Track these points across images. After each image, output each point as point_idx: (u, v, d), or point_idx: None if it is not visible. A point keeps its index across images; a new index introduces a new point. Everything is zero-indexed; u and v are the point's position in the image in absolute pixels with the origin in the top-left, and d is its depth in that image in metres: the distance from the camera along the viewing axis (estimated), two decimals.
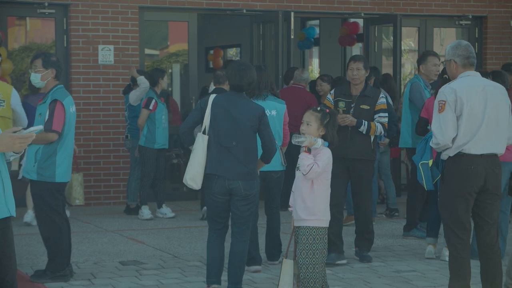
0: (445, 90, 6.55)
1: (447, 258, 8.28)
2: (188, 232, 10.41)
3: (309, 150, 6.41)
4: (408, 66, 17.42)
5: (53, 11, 12.54)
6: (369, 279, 7.82)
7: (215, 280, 7.11)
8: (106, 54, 12.55)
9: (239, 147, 6.97)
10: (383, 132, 8.60)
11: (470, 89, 6.51)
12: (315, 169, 6.30)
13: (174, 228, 10.72)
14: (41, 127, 4.90)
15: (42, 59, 7.86)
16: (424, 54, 10.45)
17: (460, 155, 6.49)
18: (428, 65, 10.07)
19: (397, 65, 13.90)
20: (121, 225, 10.93)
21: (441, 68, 9.76)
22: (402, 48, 14.38)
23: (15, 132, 4.71)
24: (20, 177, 10.22)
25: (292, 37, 13.59)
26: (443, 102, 6.48)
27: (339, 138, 6.74)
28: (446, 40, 15.76)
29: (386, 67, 15.00)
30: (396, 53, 13.89)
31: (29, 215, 10.70)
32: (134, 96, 11.49)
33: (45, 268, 7.85)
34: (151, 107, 11.23)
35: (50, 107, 7.69)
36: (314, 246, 6.36)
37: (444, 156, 6.59)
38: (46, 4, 12.38)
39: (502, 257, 7.29)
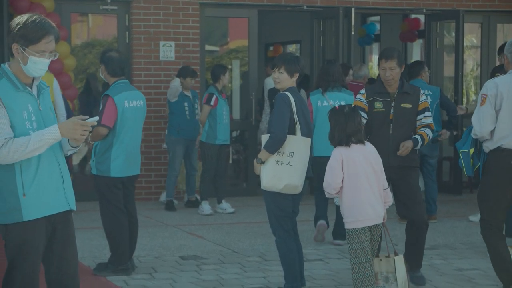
0: (488, 85, 6.86)
1: None
2: (248, 227, 10.44)
3: None
4: (470, 62, 17.18)
5: (115, 7, 12.68)
6: (430, 277, 7.74)
7: (303, 281, 7.12)
8: (167, 51, 12.65)
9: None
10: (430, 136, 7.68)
11: None
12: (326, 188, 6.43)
13: (233, 224, 10.76)
14: (97, 118, 4.94)
15: (101, 55, 8.09)
16: None
17: (500, 150, 6.78)
18: None
19: (459, 62, 13.72)
20: (181, 220, 11.00)
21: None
22: (465, 44, 14.19)
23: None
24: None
25: (352, 33, 13.51)
26: (485, 96, 6.80)
27: (378, 144, 6.73)
28: (509, 36, 15.50)
29: (448, 64, 14.83)
30: (458, 49, 13.71)
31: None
32: (168, 93, 11.83)
33: (107, 261, 7.94)
34: (212, 103, 11.28)
35: (102, 102, 7.83)
36: None
37: (485, 149, 6.90)
38: (109, 1, 12.51)
39: None
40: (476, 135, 6.90)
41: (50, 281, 4.97)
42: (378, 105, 7.42)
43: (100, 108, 7.83)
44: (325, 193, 6.50)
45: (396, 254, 6.56)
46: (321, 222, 9.44)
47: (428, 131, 7.49)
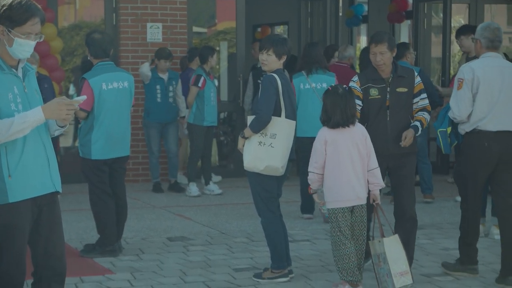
0: (464, 69, 7.04)
1: (496, 237, 8.33)
2: (235, 209, 10.47)
3: None
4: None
5: None
6: (417, 257, 7.78)
7: (289, 261, 7.15)
8: (154, 32, 12.61)
9: None
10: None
11: (488, 69, 6.96)
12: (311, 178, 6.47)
13: (221, 205, 10.78)
14: (84, 97, 4.93)
15: (86, 37, 8.07)
16: None
17: (476, 132, 6.97)
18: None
19: (446, 43, 13.75)
20: (169, 202, 11.02)
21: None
22: (452, 25, 14.21)
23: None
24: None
25: (340, 14, 13.53)
26: (461, 80, 6.99)
27: (376, 132, 6.77)
28: (497, 17, 15.53)
29: (436, 45, 14.85)
30: (445, 30, 13.74)
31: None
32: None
33: (94, 243, 7.96)
34: (200, 85, 11.26)
35: (80, 85, 7.87)
36: None
37: (461, 131, 7.08)
38: None
39: None
40: (455, 118, 7.04)
41: (36, 263, 4.98)
42: (374, 92, 7.03)
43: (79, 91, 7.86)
44: (308, 179, 6.54)
45: (383, 236, 6.58)
46: (308, 216, 9.61)
47: (426, 114, 7.21)
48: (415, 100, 7.19)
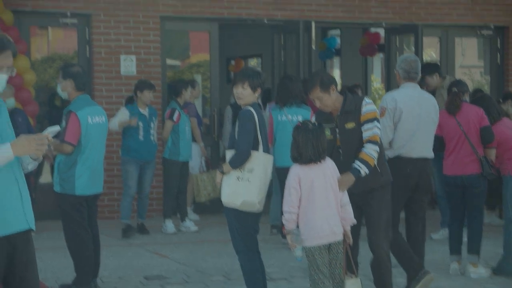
0: (387, 98, 7.57)
1: (472, 275, 8.35)
2: (212, 246, 10.38)
3: None
4: None
5: (75, 21, 12.55)
6: None
7: None
8: (128, 65, 12.54)
9: None
10: (378, 151, 6.65)
11: (408, 99, 7.51)
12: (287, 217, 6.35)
13: (197, 242, 10.70)
14: (57, 128, 4.80)
15: (62, 70, 7.94)
16: None
17: (398, 158, 7.50)
18: None
19: None
20: (146, 239, 10.91)
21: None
22: (424, 58, 14.32)
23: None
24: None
25: (313, 47, 13.55)
26: (384, 109, 7.48)
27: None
28: (467, 50, 15.69)
29: None
30: None
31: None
32: (112, 123, 10.76)
33: (71, 282, 7.84)
34: (174, 119, 11.19)
35: (65, 118, 7.73)
36: None
37: (386, 157, 7.29)
38: (69, 14, 12.39)
39: None
40: None
41: None
42: (327, 133, 6.57)
43: (63, 125, 7.70)
44: (283, 219, 6.36)
45: (349, 276, 6.41)
46: None
47: (369, 147, 6.58)
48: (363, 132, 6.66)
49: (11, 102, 10.39)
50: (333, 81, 6.74)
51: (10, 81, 4.93)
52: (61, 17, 12.44)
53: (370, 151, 6.57)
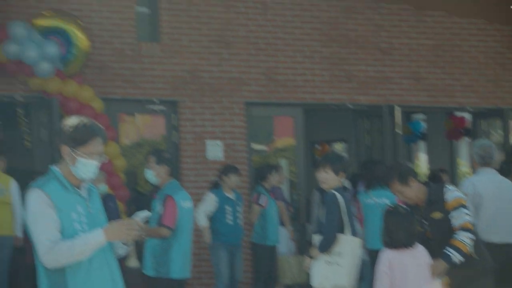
0: (466, 183, 7.83)
1: None
2: None
3: None
4: None
5: (162, 107, 12.79)
6: None
7: None
8: (214, 150, 12.65)
9: None
10: (472, 238, 6.46)
11: (487, 184, 7.61)
12: None
13: None
14: (147, 213, 4.92)
15: (156, 156, 8.03)
16: None
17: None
18: None
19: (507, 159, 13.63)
20: None
21: None
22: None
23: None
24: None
25: (398, 131, 13.52)
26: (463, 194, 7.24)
27: None
28: None
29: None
30: (505, 147, 13.64)
31: None
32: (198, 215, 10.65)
33: None
34: (262, 203, 11.20)
35: (163, 203, 7.81)
36: None
37: None
38: (157, 101, 12.65)
39: None
40: None
41: None
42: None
43: (159, 209, 7.80)
44: None
45: None
46: None
47: (461, 234, 6.38)
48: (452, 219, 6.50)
49: (104, 188, 10.59)
50: (411, 172, 6.62)
51: (101, 167, 5.01)
52: (148, 104, 12.72)
53: (462, 238, 6.36)
